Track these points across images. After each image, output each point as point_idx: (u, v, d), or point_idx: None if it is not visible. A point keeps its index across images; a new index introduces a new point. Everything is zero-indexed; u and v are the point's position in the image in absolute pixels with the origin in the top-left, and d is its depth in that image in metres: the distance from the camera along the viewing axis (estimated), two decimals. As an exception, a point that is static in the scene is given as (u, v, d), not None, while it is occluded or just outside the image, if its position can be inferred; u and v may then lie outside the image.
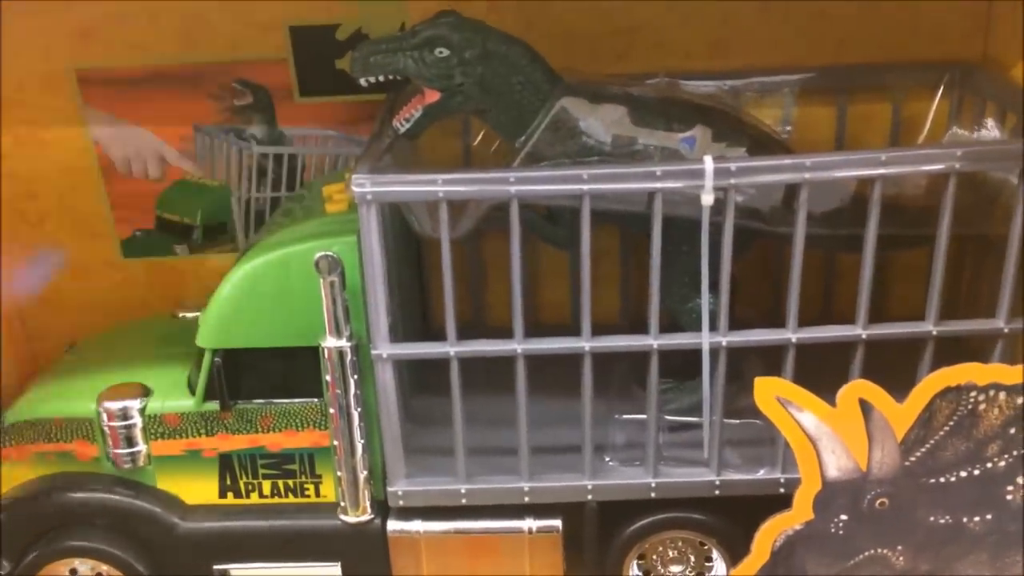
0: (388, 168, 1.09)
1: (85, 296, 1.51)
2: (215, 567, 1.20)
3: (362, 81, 1.11)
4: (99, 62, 1.39)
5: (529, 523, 1.17)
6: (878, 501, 1.00)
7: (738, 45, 1.34)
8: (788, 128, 1.32)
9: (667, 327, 1.11)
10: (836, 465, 0.99)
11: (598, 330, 1.10)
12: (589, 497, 1.15)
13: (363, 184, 1.02)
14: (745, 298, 1.23)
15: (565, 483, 1.16)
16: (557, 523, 1.17)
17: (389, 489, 1.16)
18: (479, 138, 1.30)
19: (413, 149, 1.25)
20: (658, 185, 1.02)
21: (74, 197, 1.46)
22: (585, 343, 1.09)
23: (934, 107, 1.29)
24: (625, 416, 1.24)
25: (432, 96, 1.11)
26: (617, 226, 1.34)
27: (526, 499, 1.15)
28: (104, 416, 1.17)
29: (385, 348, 1.09)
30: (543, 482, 1.15)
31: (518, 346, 1.09)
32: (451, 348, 1.09)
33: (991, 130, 1.19)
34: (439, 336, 1.11)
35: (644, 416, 1.14)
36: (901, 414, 0.97)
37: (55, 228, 1.48)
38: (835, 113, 1.34)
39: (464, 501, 1.15)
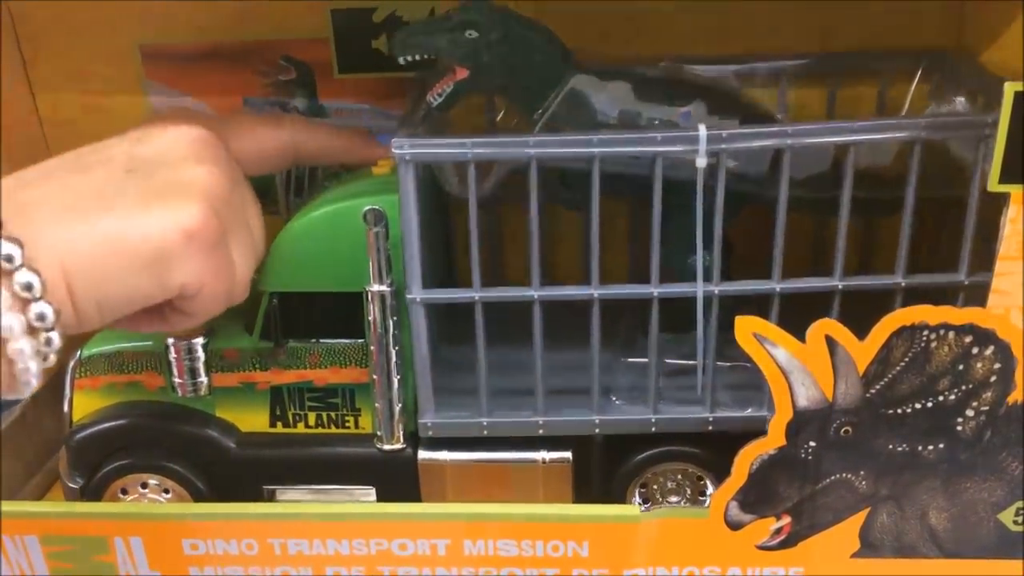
0: (424, 134, 1.23)
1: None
2: (264, 487, 1.34)
3: (400, 59, 1.26)
4: (160, 39, 1.54)
5: (543, 455, 1.31)
6: (843, 429, 1.13)
7: (736, 32, 1.47)
8: (782, 115, 1.44)
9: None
10: (806, 396, 1.11)
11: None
12: (596, 431, 1.29)
13: (402, 146, 1.17)
14: (745, 269, 1.35)
15: (575, 417, 1.29)
16: (568, 455, 1.30)
17: (420, 421, 1.30)
18: (501, 114, 1.44)
19: (444, 123, 1.38)
20: (659, 149, 1.16)
21: (134, 162, 1.57)
22: (594, 290, 1.23)
23: (912, 90, 1.41)
24: (630, 359, 1.38)
25: (462, 73, 1.26)
26: (625, 199, 1.48)
27: (540, 432, 1.29)
28: (171, 350, 1.31)
29: (418, 293, 1.24)
30: (556, 416, 1.29)
31: (535, 292, 1.23)
32: (476, 293, 1.24)
33: (960, 107, 1.29)
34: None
35: (646, 360, 1.27)
36: (862, 350, 1.10)
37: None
38: (825, 97, 1.46)
39: (486, 432, 1.29)
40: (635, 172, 1.21)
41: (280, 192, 1.60)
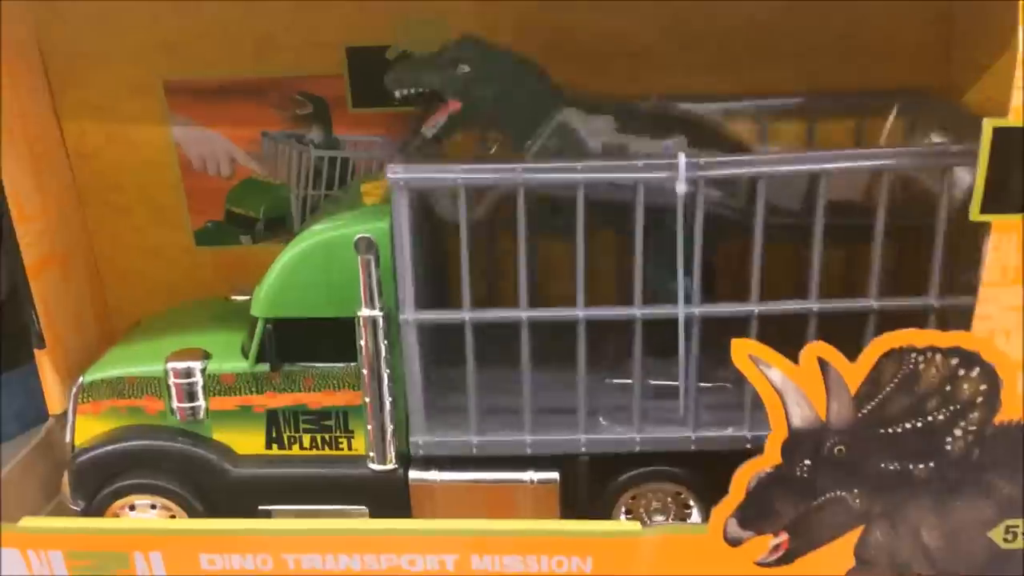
0: (418, 162, 1.20)
1: (160, 279, 1.63)
2: (260, 507, 1.31)
3: (396, 94, 1.25)
4: (183, 74, 1.51)
5: (531, 475, 1.26)
6: (836, 448, 1.09)
7: (731, 69, 1.44)
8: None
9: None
10: (800, 415, 1.08)
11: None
12: (583, 449, 1.25)
13: (397, 172, 1.15)
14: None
15: (562, 437, 1.25)
16: (555, 476, 1.26)
17: (411, 439, 1.26)
18: (495, 148, 1.37)
19: (440, 154, 1.34)
20: (640, 175, 1.13)
21: (156, 191, 1.58)
22: (580, 311, 1.19)
23: (887, 127, 1.38)
24: (615, 380, 1.32)
25: (455, 106, 1.24)
26: (612, 230, 1.39)
27: (528, 451, 1.25)
28: (171, 375, 1.28)
29: (411, 313, 1.20)
30: (543, 436, 1.25)
31: (523, 313, 1.20)
32: (466, 314, 1.20)
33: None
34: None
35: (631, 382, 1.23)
36: (853, 372, 1.07)
37: (138, 217, 1.60)
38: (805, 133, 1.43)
39: (475, 451, 1.25)
40: (620, 200, 1.17)
41: (295, 222, 1.59)
